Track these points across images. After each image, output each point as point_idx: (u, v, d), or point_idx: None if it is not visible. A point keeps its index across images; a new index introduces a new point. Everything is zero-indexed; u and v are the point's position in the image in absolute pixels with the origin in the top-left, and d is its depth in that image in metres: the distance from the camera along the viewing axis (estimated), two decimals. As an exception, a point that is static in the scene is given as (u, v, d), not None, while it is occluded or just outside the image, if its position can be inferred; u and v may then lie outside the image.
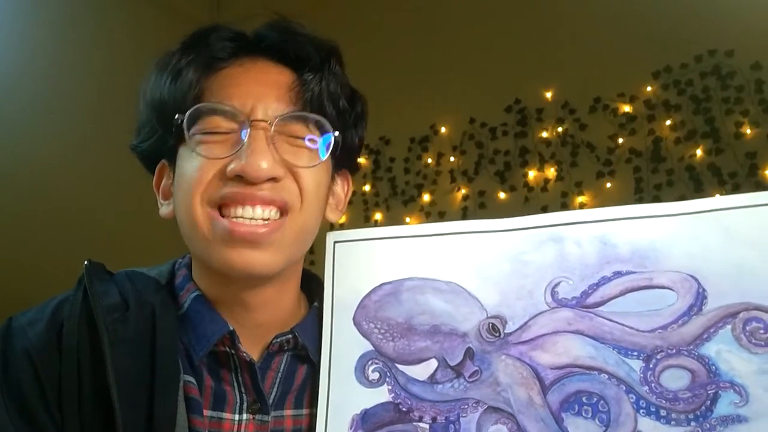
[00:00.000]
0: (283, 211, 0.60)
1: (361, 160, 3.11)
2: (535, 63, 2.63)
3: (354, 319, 0.63)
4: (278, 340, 0.64)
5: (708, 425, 0.51)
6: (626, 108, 2.53)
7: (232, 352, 0.62)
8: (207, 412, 0.61)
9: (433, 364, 0.59)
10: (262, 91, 0.61)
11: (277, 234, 0.59)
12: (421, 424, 0.58)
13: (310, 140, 0.62)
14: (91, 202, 2.49)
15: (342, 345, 0.62)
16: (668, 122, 2.44)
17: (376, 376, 0.60)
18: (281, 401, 0.64)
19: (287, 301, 0.68)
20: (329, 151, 0.62)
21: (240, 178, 0.58)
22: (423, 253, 0.63)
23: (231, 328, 0.62)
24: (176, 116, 0.60)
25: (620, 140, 2.52)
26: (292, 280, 0.68)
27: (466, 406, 0.57)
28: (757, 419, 0.49)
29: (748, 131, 2.29)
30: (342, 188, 0.71)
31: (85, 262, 0.64)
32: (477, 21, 2.82)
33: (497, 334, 0.58)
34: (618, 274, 0.57)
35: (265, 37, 0.65)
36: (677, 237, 0.56)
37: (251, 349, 0.64)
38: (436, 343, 0.60)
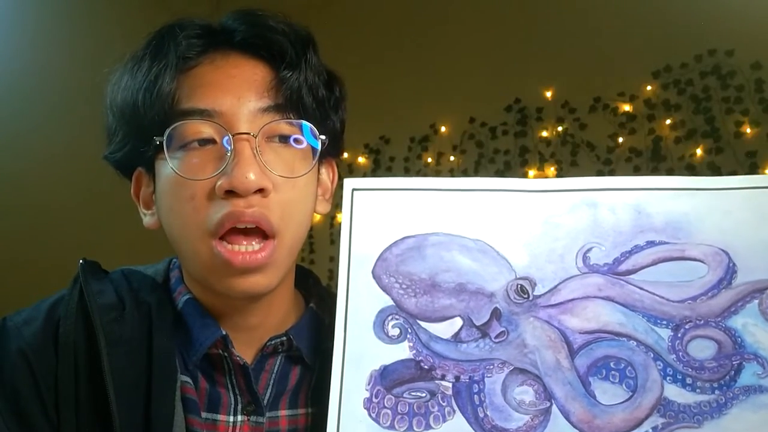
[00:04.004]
0: (271, 235, 0.59)
1: (361, 159, 3.07)
2: (535, 63, 2.63)
3: (373, 272, 0.60)
4: (272, 342, 0.63)
5: (731, 394, 0.52)
6: (626, 107, 2.55)
7: (225, 355, 0.61)
8: (202, 414, 0.60)
9: (458, 322, 0.58)
10: (237, 86, 0.59)
11: (274, 256, 0.58)
12: (443, 383, 0.56)
13: (293, 138, 0.61)
14: (84, 199, 2.43)
15: (359, 299, 0.59)
16: (668, 122, 2.48)
17: (396, 332, 0.58)
18: (276, 402, 0.64)
19: (282, 302, 0.67)
20: (315, 162, 0.62)
21: (229, 194, 0.57)
22: (450, 209, 0.61)
23: (223, 333, 0.61)
24: (155, 138, 0.59)
25: (620, 139, 2.56)
26: (285, 282, 0.66)
27: (491, 367, 0.56)
28: (778, 390, 0.52)
29: (748, 131, 2.35)
30: (328, 176, 0.70)
31: (80, 261, 0.62)
32: (477, 21, 2.79)
33: (526, 296, 0.58)
34: (651, 243, 0.57)
35: (235, 30, 0.61)
36: (711, 211, 0.57)
37: (245, 351, 0.63)
38: (461, 301, 0.58)
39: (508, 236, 0.59)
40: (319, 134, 0.63)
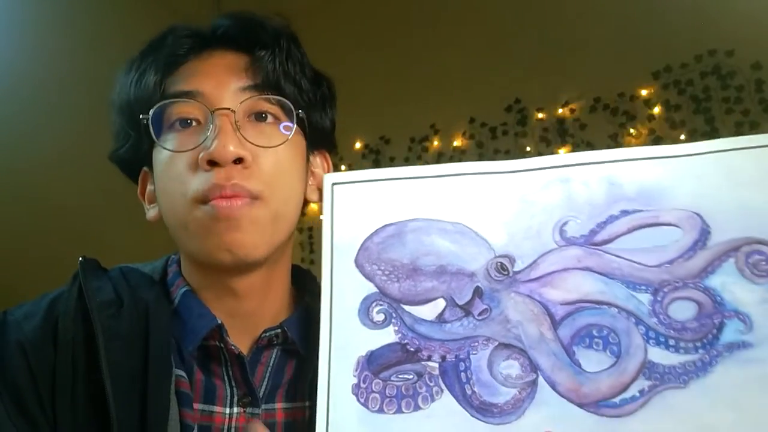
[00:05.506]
0: (254, 198, 0.61)
1: (362, 159, 3.08)
2: (535, 63, 2.65)
3: (356, 261, 0.61)
4: (267, 334, 0.65)
5: (715, 351, 0.52)
6: (626, 108, 2.57)
7: (221, 345, 0.62)
8: (198, 406, 0.61)
9: (441, 303, 0.59)
10: (220, 72, 0.64)
11: (253, 211, 0.60)
12: (430, 363, 0.57)
13: (274, 118, 0.64)
14: (84, 199, 2.47)
15: (343, 288, 0.60)
16: (668, 122, 2.50)
17: (381, 317, 0.59)
18: (272, 394, 0.64)
19: (276, 290, 0.68)
20: (293, 129, 0.64)
21: (211, 165, 0.59)
22: (427, 195, 0.62)
23: (219, 322, 0.62)
24: (141, 116, 0.62)
25: (620, 140, 2.56)
26: (279, 267, 0.68)
27: (476, 344, 0.57)
28: (761, 344, 0.52)
29: (748, 131, 2.34)
30: (321, 167, 0.73)
31: (80, 259, 0.65)
32: (477, 21, 2.83)
33: (506, 273, 0.58)
34: (625, 212, 0.58)
35: (219, 26, 0.66)
36: (682, 177, 0.58)
37: (240, 341, 0.64)
38: (443, 283, 0.59)
39: (486, 217, 0.60)
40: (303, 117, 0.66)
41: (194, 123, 0.62)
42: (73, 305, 0.61)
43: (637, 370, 0.53)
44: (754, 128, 2.34)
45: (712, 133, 2.42)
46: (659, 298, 0.55)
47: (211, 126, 0.60)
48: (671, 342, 0.53)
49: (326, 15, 2.82)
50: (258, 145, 0.62)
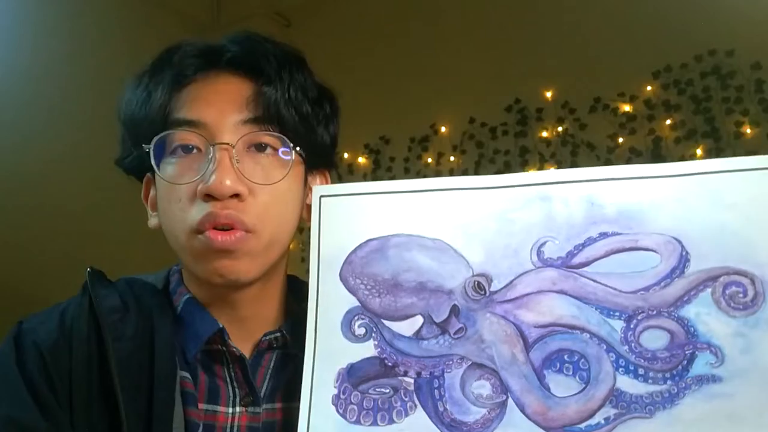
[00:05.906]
0: (247, 231, 0.64)
1: (361, 159, 3.11)
2: (535, 63, 2.63)
3: (341, 274, 0.63)
4: (267, 337, 0.69)
5: (684, 384, 0.52)
6: (626, 108, 2.55)
7: (224, 349, 0.66)
8: (203, 405, 0.65)
9: (419, 320, 0.60)
10: (222, 101, 0.65)
11: (247, 244, 0.63)
12: (406, 379, 0.59)
13: (272, 148, 0.66)
14: (86, 200, 2.52)
15: (328, 300, 0.63)
16: (668, 122, 2.47)
17: (362, 331, 0.61)
18: (272, 395, 0.68)
19: (271, 299, 0.72)
20: (291, 165, 0.66)
21: (208, 197, 0.62)
22: (410, 210, 0.63)
23: (220, 326, 0.66)
24: (143, 146, 0.65)
25: (620, 140, 2.55)
26: (273, 279, 0.71)
27: (450, 362, 0.58)
28: (731, 379, 0.51)
29: (748, 131, 2.32)
30: None
31: (88, 269, 0.68)
32: (477, 21, 2.80)
33: (483, 292, 0.59)
34: (604, 235, 0.57)
35: (228, 50, 0.67)
36: (664, 199, 0.56)
37: (242, 346, 0.68)
38: (422, 299, 0.61)
39: (465, 234, 0.61)
40: (302, 146, 0.67)
41: (195, 150, 0.65)
42: (87, 311, 0.66)
43: (605, 397, 0.54)
44: (754, 128, 2.30)
45: (712, 133, 2.38)
46: (632, 326, 0.55)
47: (211, 159, 0.63)
48: (640, 371, 0.54)
49: (326, 15, 2.80)
50: (255, 183, 0.64)
